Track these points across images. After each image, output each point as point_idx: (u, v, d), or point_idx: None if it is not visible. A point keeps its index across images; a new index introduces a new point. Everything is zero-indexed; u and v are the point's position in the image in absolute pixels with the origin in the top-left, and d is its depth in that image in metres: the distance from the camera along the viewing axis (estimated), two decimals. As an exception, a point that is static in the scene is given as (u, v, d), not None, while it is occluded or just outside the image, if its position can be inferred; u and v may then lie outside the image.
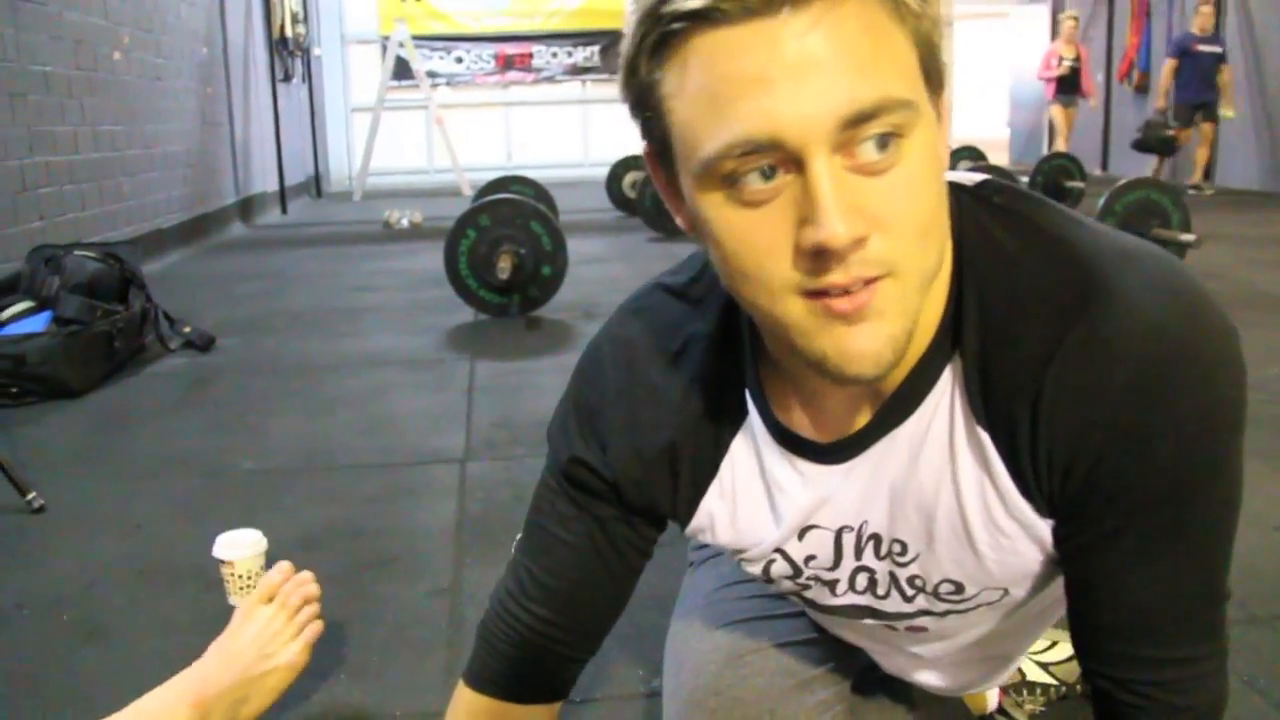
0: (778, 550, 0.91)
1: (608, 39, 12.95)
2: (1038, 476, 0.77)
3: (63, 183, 5.01)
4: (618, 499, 0.93)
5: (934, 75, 0.69)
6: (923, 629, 0.97)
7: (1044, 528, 0.80)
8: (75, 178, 5.16)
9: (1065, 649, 1.42)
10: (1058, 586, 0.86)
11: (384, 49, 10.84)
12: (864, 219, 0.65)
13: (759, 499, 0.90)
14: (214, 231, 7.45)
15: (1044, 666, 1.41)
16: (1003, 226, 0.77)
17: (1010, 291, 0.75)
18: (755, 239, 0.67)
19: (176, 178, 6.75)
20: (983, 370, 0.76)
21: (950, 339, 0.77)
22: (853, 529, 0.88)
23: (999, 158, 11.31)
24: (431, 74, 12.18)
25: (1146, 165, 9.09)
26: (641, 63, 0.68)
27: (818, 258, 0.65)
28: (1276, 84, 8.69)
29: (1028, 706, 1.39)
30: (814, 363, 0.70)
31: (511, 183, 6.64)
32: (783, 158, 0.64)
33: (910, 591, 0.91)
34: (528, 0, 13.08)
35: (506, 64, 13.15)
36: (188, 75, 7.16)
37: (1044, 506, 0.79)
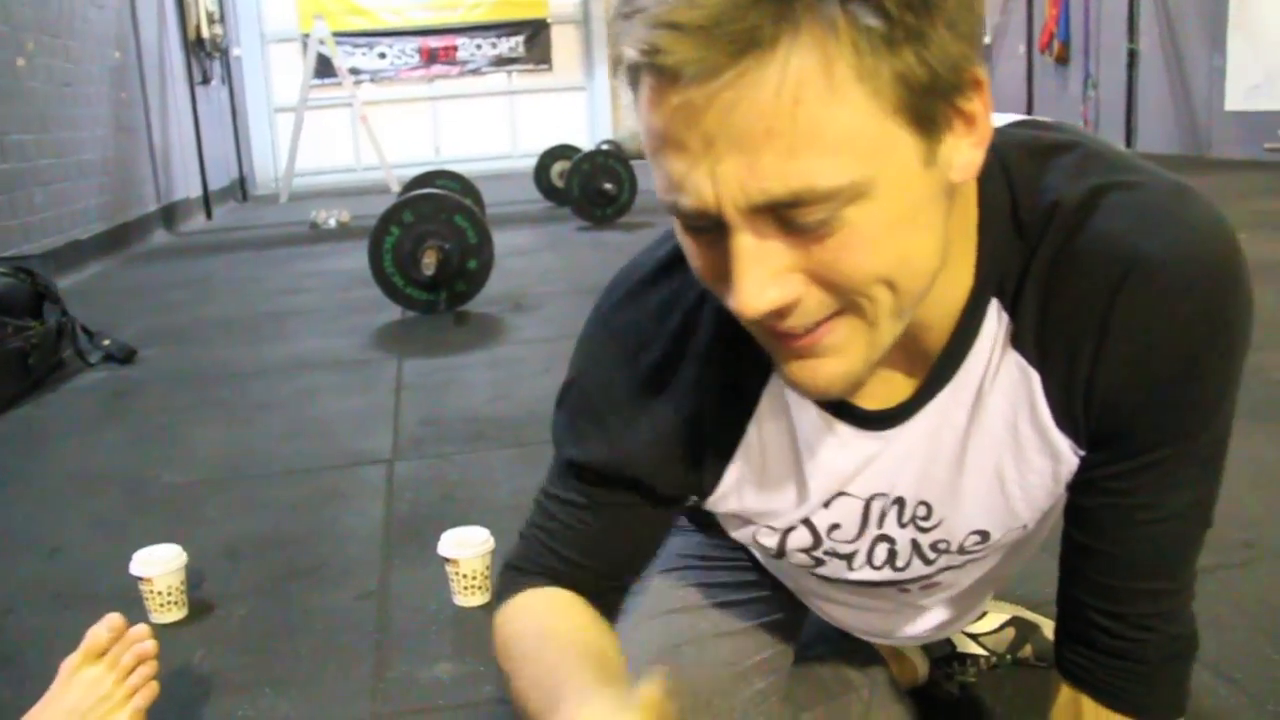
0: (803, 520, 0.90)
1: (532, 29, 12.85)
2: (1088, 411, 0.77)
3: (-30, 196, 4.86)
4: (634, 486, 0.89)
5: (935, 107, 0.62)
6: (937, 584, 0.98)
7: (1072, 461, 0.81)
8: (-17, 190, 5.00)
9: (994, 619, 1.43)
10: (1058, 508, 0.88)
11: (305, 47, 10.66)
12: (794, 282, 0.64)
13: (787, 462, 0.87)
14: (135, 240, 7.27)
15: (974, 638, 1.42)
16: (1048, 164, 0.75)
17: (1072, 230, 0.73)
18: (705, 266, 0.68)
19: (93, 187, 6.57)
20: (1041, 311, 0.75)
21: (988, 290, 0.76)
22: (886, 495, 0.87)
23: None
24: (354, 70, 11.99)
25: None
26: (621, 78, 0.66)
27: None
28: (1190, 53, 8.86)
29: (958, 678, 1.39)
30: (784, 378, 0.71)
31: (436, 178, 6.57)
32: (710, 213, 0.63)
33: (932, 555, 0.91)
34: (450, -8, 12.95)
35: (431, 58, 12.99)
36: (100, 81, 6.97)
37: (1084, 439, 0.79)
